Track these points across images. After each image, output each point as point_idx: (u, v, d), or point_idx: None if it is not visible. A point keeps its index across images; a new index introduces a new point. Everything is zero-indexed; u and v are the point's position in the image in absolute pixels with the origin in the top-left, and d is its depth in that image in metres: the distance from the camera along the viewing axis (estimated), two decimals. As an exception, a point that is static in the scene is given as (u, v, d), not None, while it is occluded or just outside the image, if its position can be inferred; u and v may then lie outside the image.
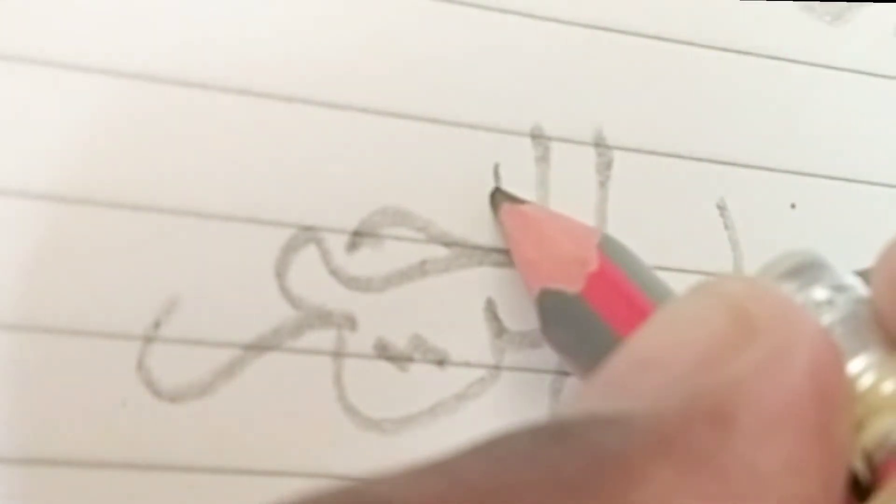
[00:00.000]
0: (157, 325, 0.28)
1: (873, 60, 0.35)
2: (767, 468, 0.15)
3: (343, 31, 0.30)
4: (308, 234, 0.29)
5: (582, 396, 0.17)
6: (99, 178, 0.28)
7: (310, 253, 0.29)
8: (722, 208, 0.33)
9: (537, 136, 0.31)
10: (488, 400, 0.31)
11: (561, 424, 0.15)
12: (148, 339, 0.28)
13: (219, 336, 0.29)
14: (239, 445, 0.29)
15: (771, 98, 0.34)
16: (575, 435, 0.15)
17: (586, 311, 0.28)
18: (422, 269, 0.30)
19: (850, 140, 0.34)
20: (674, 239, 0.32)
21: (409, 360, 0.30)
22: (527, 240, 0.29)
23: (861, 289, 0.18)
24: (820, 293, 0.17)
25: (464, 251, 0.31)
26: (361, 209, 0.30)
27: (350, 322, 0.30)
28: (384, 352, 0.30)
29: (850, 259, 0.18)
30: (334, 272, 0.30)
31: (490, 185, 0.31)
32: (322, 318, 0.29)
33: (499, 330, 0.31)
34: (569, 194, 0.31)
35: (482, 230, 0.31)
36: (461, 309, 0.31)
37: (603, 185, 0.32)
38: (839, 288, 0.17)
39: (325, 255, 0.29)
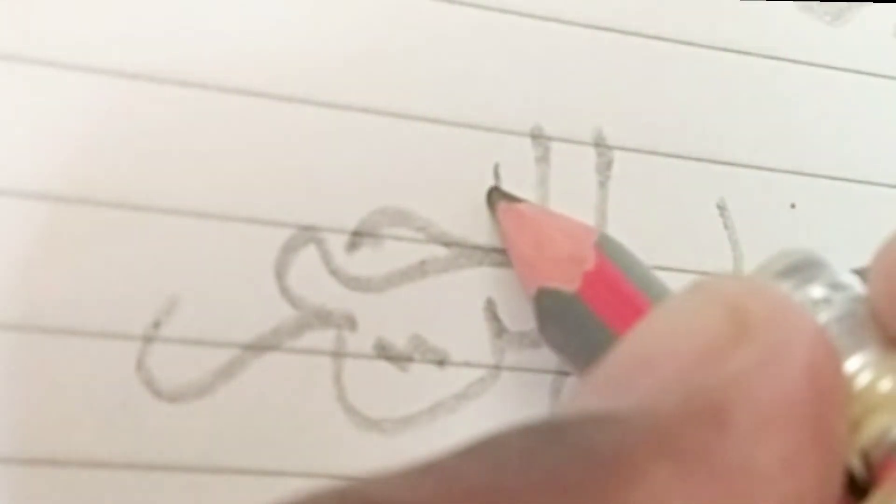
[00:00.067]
0: (157, 325, 0.28)
1: (873, 60, 0.35)
2: (764, 466, 0.15)
3: (343, 31, 0.30)
4: (308, 234, 0.29)
5: (577, 395, 0.17)
6: (99, 178, 0.28)
7: (310, 253, 0.29)
8: (722, 208, 0.33)
9: (537, 136, 0.31)
10: (488, 400, 0.31)
11: (556, 424, 0.15)
12: (148, 339, 0.28)
13: (219, 336, 0.29)
14: (239, 445, 0.29)
15: (771, 98, 0.34)
16: (570, 434, 0.15)
17: (583, 310, 0.28)
18: (422, 269, 0.30)
19: (850, 140, 0.34)
20: (674, 239, 0.32)
21: (409, 360, 0.30)
22: (524, 239, 0.29)
23: (858, 287, 0.17)
24: (817, 291, 0.17)
25: (464, 251, 0.31)
26: (361, 209, 0.30)
27: (350, 322, 0.30)
28: (384, 352, 0.30)
29: (850, 259, 0.18)
30: (334, 272, 0.30)
31: (490, 186, 0.31)
32: (322, 318, 0.29)
33: (499, 330, 0.31)
34: (569, 194, 0.31)
35: (482, 230, 0.31)
36: (461, 309, 0.31)
37: (603, 185, 0.32)
38: (836, 286, 0.17)
39: (325, 255, 0.29)
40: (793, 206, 0.34)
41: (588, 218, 0.31)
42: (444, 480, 0.14)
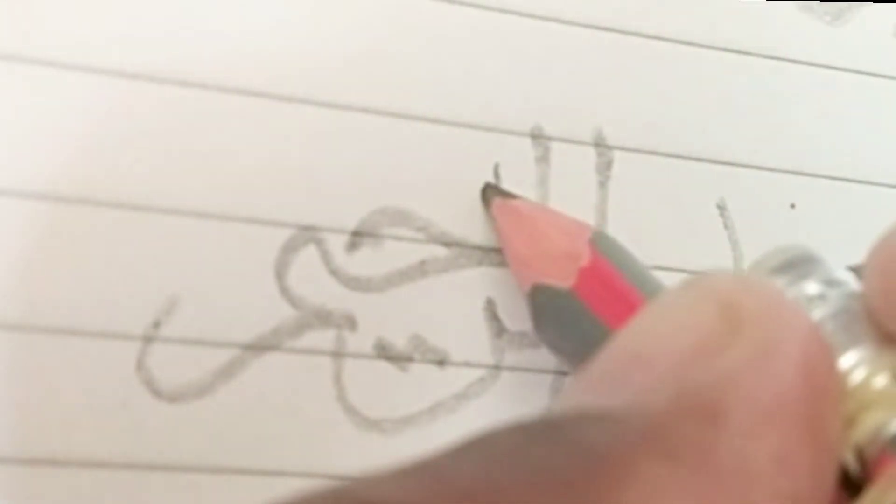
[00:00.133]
0: (157, 325, 0.28)
1: (873, 60, 0.35)
2: (758, 463, 0.15)
3: (343, 31, 0.30)
4: (308, 234, 0.29)
5: (571, 392, 0.17)
6: (99, 178, 0.28)
7: (310, 253, 0.29)
8: (722, 208, 0.33)
9: (537, 136, 0.31)
10: (488, 400, 0.31)
11: (549, 421, 0.15)
12: (148, 339, 0.28)
13: (219, 336, 0.29)
14: (239, 445, 0.29)
15: (771, 98, 0.34)
16: (563, 432, 0.15)
17: (578, 307, 0.28)
18: (422, 269, 0.30)
19: (850, 140, 0.34)
20: (674, 239, 0.32)
21: (409, 360, 0.30)
22: (518, 235, 0.29)
23: (853, 284, 0.17)
24: (812, 288, 0.17)
25: (464, 251, 0.31)
26: (361, 209, 0.30)
27: (350, 322, 0.30)
28: (384, 352, 0.30)
29: (849, 259, 0.18)
30: (334, 272, 0.30)
31: (485, 182, 0.31)
32: (322, 318, 0.29)
33: (499, 330, 0.31)
34: (569, 194, 0.31)
35: (482, 230, 0.31)
36: (461, 309, 0.31)
37: (603, 185, 0.32)
38: (831, 283, 0.17)
39: (325, 255, 0.29)
40: (793, 206, 0.34)
41: (588, 218, 0.31)
42: (438, 480, 0.14)
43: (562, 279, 0.28)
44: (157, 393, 0.28)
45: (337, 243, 0.30)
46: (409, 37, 0.30)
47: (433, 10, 0.30)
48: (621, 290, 0.28)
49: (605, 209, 0.32)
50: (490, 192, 0.30)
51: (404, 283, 0.30)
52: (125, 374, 0.28)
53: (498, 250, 0.31)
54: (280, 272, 0.29)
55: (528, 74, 0.31)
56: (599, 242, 0.29)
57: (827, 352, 0.16)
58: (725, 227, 0.33)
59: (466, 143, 0.31)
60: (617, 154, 0.32)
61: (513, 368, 0.31)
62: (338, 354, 0.29)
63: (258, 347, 0.29)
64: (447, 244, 0.30)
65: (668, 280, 0.30)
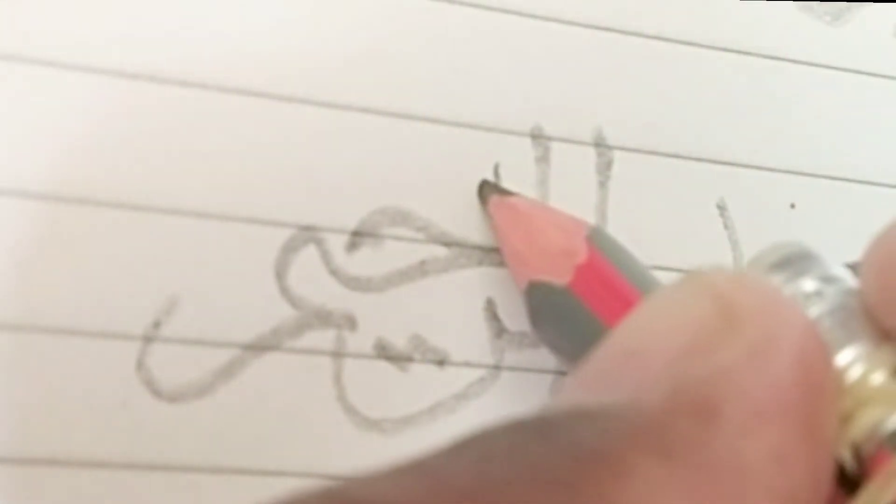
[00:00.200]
0: (157, 325, 0.28)
1: (873, 60, 0.35)
2: (753, 460, 0.15)
3: (343, 31, 0.30)
4: (308, 234, 0.29)
5: (566, 389, 0.17)
6: (99, 178, 0.28)
7: (310, 253, 0.29)
8: (722, 208, 0.33)
9: (537, 136, 0.31)
10: (488, 400, 0.31)
11: (545, 419, 0.15)
12: (148, 339, 0.28)
13: (218, 336, 0.29)
14: (239, 445, 0.29)
15: (771, 98, 0.34)
16: (559, 430, 0.15)
17: (575, 303, 0.28)
18: (422, 269, 0.30)
19: (850, 140, 0.34)
20: (674, 239, 0.32)
21: (409, 360, 0.30)
22: (515, 232, 0.29)
23: (850, 280, 0.17)
24: (808, 285, 0.17)
25: (464, 251, 0.31)
26: (361, 209, 0.30)
27: (350, 322, 0.30)
28: (384, 352, 0.30)
29: (849, 259, 0.18)
30: (334, 272, 0.30)
31: (482, 179, 0.31)
32: (322, 318, 0.29)
33: (499, 330, 0.31)
34: (569, 194, 0.31)
35: (482, 230, 0.31)
36: (461, 309, 0.31)
37: (603, 185, 0.32)
38: (828, 279, 0.17)
39: (325, 255, 0.29)
40: (793, 206, 0.34)
41: (588, 218, 0.31)
42: (433, 479, 0.14)
43: (558, 276, 0.28)
44: (157, 393, 0.28)
45: (337, 243, 0.30)
46: (409, 37, 0.30)
47: (433, 10, 0.30)
48: (618, 287, 0.28)
49: (605, 209, 0.32)
50: (487, 190, 0.30)
51: (404, 283, 0.30)
52: (125, 374, 0.28)
53: (498, 250, 0.31)
54: (280, 272, 0.29)
55: (528, 74, 0.31)
56: (596, 239, 0.29)
57: (823, 349, 0.16)
58: (725, 227, 0.33)
59: (466, 143, 0.31)
60: (617, 154, 0.32)
61: (513, 368, 0.31)
62: (338, 354, 0.29)
63: (258, 347, 0.29)
64: (447, 244, 0.30)
65: (668, 280, 0.30)
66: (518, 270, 0.29)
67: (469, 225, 0.31)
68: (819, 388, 0.16)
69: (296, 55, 0.29)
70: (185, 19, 0.29)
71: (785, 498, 0.15)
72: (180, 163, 0.28)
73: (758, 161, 0.33)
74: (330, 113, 0.30)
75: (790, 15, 0.34)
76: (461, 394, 0.30)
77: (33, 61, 0.27)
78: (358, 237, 0.30)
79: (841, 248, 0.18)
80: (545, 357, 0.31)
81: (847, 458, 0.16)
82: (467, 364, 0.31)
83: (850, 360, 0.17)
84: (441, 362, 0.30)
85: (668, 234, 0.32)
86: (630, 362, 0.16)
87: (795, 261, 0.18)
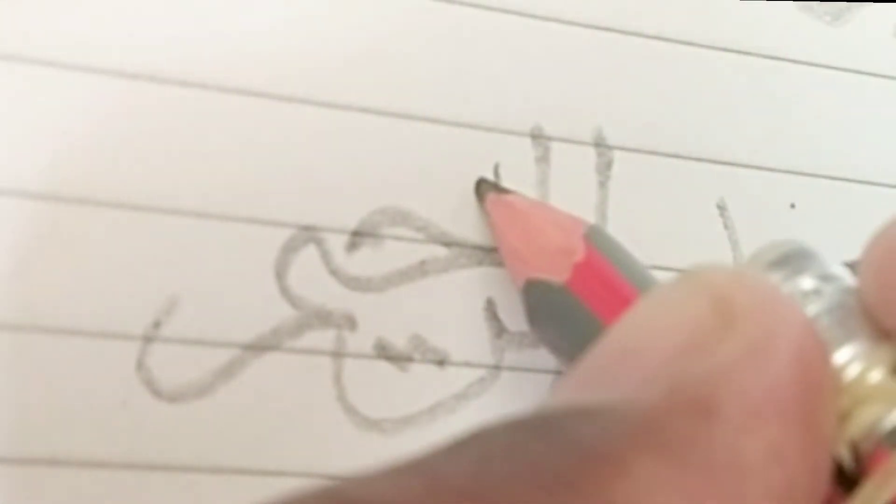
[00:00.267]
0: (157, 325, 0.28)
1: (873, 60, 0.35)
2: (751, 458, 0.15)
3: (343, 31, 0.30)
4: (308, 234, 0.29)
5: (564, 387, 0.17)
6: (99, 178, 0.28)
7: (310, 253, 0.29)
8: (722, 208, 0.33)
9: (537, 136, 0.31)
10: (488, 400, 0.31)
11: (542, 417, 0.15)
12: (148, 339, 0.28)
13: (219, 336, 0.29)
14: (239, 445, 0.29)
15: (771, 98, 0.34)
16: (556, 428, 0.15)
17: (572, 301, 0.28)
18: (422, 269, 0.30)
19: (850, 140, 0.34)
20: (674, 239, 0.32)
21: (409, 360, 0.30)
22: (513, 230, 0.29)
23: (848, 279, 0.17)
24: (807, 283, 0.17)
25: (464, 251, 0.31)
26: (361, 209, 0.30)
27: (350, 322, 0.30)
28: (384, 352, 0.30)
29: (849, 258, 0.18)
30: (334, 272, 0.30)
31: (478, 177, 0.31)
32: (322, 318, 0.29)
33: (499, 330, 0.31)
34: (569, 194, 0.31)
35: (482, 230, 0.31)
36: (461, 309, 0.31)
37: (603, 185, 0.32)
38: (826, 278, 0.17)
39: (325, 255, 0.29)
40: (793, 206, 0.34)
41: (588, 218, 0.31)
42: (431, 479, 0.14)
43: (556, 274, 0.28)
44: (157, 393, 0.28)
45: (337, 243, 0.30)
46: (409, 37, 0.30)
47: (433, 10, 0.30)
48: (616, 285, 0.28)
49: (605, 209, 0.32)
50: (484, 188, 0.30)
51: (404, 283, 0.30)
52: (125, 374, 0.28)
53: (498, 250, 0.31)
54: (280, 272, 0.29)
55: (528, 74, 0.31)
56: (594, 237, 0.29)
57: (821, 347, 0.16)
58: (725, 227, 0.33)
59: (466, 143, 0.31)
60: (617, 154, 0.32)
61: (513, 368, 0.31)
62: (338, 354, 0.29)
63: (258, 347, 0.29)
64: (447, 244, 0.30)
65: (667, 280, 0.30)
66: (515, 268, 0.29)
67: (469, 225, 0.31)
68: (817, 386, 0.16)
69: (296, 55, 0.29)
70: (185, 19, 0.29)
71: (783, 495, 0.15)
72: (180, 163, 0.28)
73: (758, 161, 0.33)
74: (330, 113, 0.30)
75: (790, 15, 0.34)
76: (461, 394, 0.30)
77: (33, 61, 0.27)
78: (358, 237, 0.30)
79: (841, 248, 0.18)
80: (545, 357, 0.31)
81: (845, 455, 0.16)
82: (467, 364, 0.31)
83: (849, 358, 0.17)
84: (441, 362, 0.30)
85: (668, 234, 0.32)
86: (628, 360, 0.16)
87: (794, 259, 0.18)
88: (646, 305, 0.17)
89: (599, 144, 0.32)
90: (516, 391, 0.31)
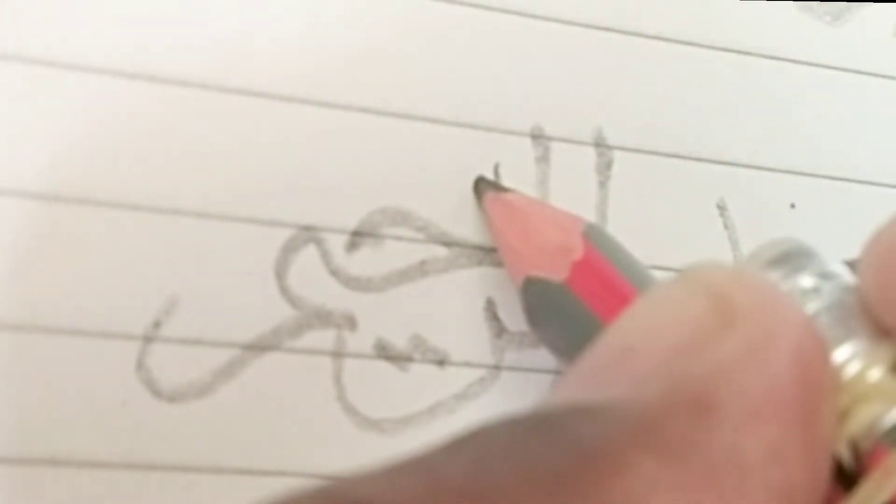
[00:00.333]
0: (157, 325, 0.28)
1: (873, 60, 0.35)
2: (751, 456, 0.15)
3: (343, 31, 0.30)
4: (308, 234, 0.29)
5: (563, 385, 0.17)
6: (99, 178, 0.28)
7: (310, 253, 0.29)
8: (722, 208, 0.33)
9: (537, 136, 0.31)
10: (488, 400, 0.31)
11: (541, 416, 0.15)
12: (148, 339, 0.28)
13: (219, 336, 0.29)
14: (239, 445, 0.29)
15: (771, 98, 0.34)
16: (555, 427, 0.15)
17: (571, 300, 0.28)
18: (422, 269, 0.30)
19: (850, 140, 0.34)
20: (674, 239, 0.32)
21: (409, 360, 0.30)
22: (511, 228, 0.29)
23: (848, 277, 0.17)
24: (806, 281, 0.17)
25: (464, 251, 0.31)
26: (361, 209, 0.30)
27: (350, 322, 0.30)
28: (384, 352, 0.30)
29: (848, 258, 0.18)
30: (334, 272, 0.30)
31: (477, 176, 0.31)
32: (322, 318, 0.29)
33: (499, 330, 0.31)
34: (569, 194, 0.31)
35: (482, 230, 0.31)
36: (461, 309, 0.31)
37: (603, 185, 0.32)
38: (825, 276, 0.17)
39: (325, 255, 0.29)
40: (793, 206, 0.34)
41: (588, 218, 0.31)
42: (430, 477, 0.14)
43: (555, 272, 0.28)
44: (157, 393, 0.28)
45: (337, 243, 0.30)
46: (409, 37, 0.30)
47: (433, 10, 0.30)
48: (614, 284, 0.28)
49: (605, 209, 0.32)
50: (482, 186, 0.30)
51: (404, 283, 0.30)
52: (125, 374, 0.28)
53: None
54: (280, 272, 0.29)
55: (528, 74, 0.31)
56: (592, 236, 0.29)
57: (821, 345, 0.16)
58: (725, 227, 0.33)
59: (466, 143, 0.31)
60: (617, 154, 0.32)
61: (513, 368, 0.31)
62: (338, 354, 0.29)
63: (258, 347, 0.29)
64: (447, 244, 0.30)
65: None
66: (514, 267, 0.29)
67: (469, 225, 0.31)
68: (817, 384, 0.16)
69: (296, 55, 0.29)
70: (185, 19, 0.29)
71: (783, 494, 0.15)
72: (180, 163, 0.28)
73: (758, 161, 0.33)
74: (330, 113, 0.30)
75: (790, 15, 0.34)
76: (461, 394, 0.30)
77: (33, 61, 0.27)
78: (358, 237, 0.30)
79: (841, 248, 0.18)
80: (545, 357, 0.31)
81: (845, 454, 0.16)
82: (467, 364, 0.31)
83: (848, 356, 0.17)
84: (441, 362, 0.30)
85: (668, 234, 0.32)
86: (627, 359, 0.16)
87: (793, 257, 0.18)
88: (645, 304, 0.17)
89: (599, 144, 0.32)
90: (516, 391, 0.31)
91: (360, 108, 0.30)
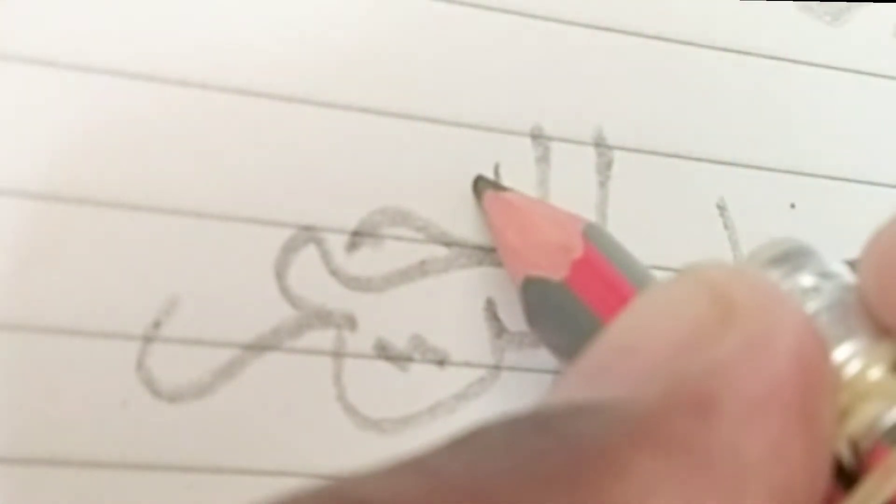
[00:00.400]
0: (157, 325, 0.28)
1: (873, 60, 0.35)
2: (751, 455, 0.15)
3: (343, 31, 0.30)
4: (308, 234, 0.29)
5: (563, 384, 0.17)
6: (99, 178, 0.28)
7: (310, 253, 0.29)
8: (722, 208, 0.33)
9: (537, 136, 0.31)
10: (488, 400, 0.31)
11: (541, 415, 0.15)
12: (148, 339, 0.28)
13: (219, 336, 0.29)
14: (239, 445, 0.29)
15: (771, 98, 0.34)
16: (555, 426, 0.15)
17: (571, 299, 0.28)
18: (422, 269, 0.30)
19: (850, 140, 0.34)
20: (674, 239, 0.32)
21: (409, 360, 0.30)
22: (510, 227, 0.29)
23: (848, 276, 0.17)
24: (806, 280, 0.17)
25: (464, 251, 0.31)
26: (361, 209, 0.30)
27: (350, 322, 0.30)
28: (384, 352, 0.30)
29: (848, 258, 0.18)
30: (334, 272, 0.30)
31: (476, 175, 0.31)
32: (322, 318, 0.29)
33: (499, 330, 0.31)
34: (569, 194, 0.31)
35: (482, 230, 0.31)
36: (461, 309, 0.31)
37: (603, 185, 0.32)
38: (826, 275, 0.17)
39: (325, 255, 0.29)
40: (793, 206, 0.34)
41: (588, 218, 0.31)
42: (430, 477, 0.14)
43: (554, 271, 0.28)
44: (157, 393, 0.28)
45: (337, 243, 0.30)
46: (409, 37, 0.30)
47: (433, 10, 0.30)
48: (614, 283, 0.28)
49: (605, 209, 0.32)
50: (482, 185, 0.30)
51: (404, 283, 0.30)
52: (125, 374, 0.28)
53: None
54: (280, 272, 0.29)
55: (528, 74, 0.31)
56: (592, 234, 0.29)
57: (821, 344, 0.16)
58: (725, 227, 0.33)
59: (466, 143, 0.31)
60: (617, 154, 0.32)
61: (513, 368, 0.31)
62: (338, 354, 0.29)
63: (258, 347, 0.29)
64: (447, 244, 0.30)
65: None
66: (513, 266, 0.29)
67: (469, 225, 0.31)
68: (817, 383, 0.16)
69: (296, 55, 0.29)
70: (185, 19, 0.29)
71: (783, 493, 0.15)
72: (180, 163, 0.28)
73: (758, 161, 0.33)
74: (330, 113, 0.30)
75: (790, 15, 0.34)
76: (461, 394, 0.30)
77: (33, 61, 0.27)
78: (358, 237, 0.30)
79: (841, 248, 0.18)
80: (545, 357, 0.31)
81: (845, 452, 0.16)
82: (467, 364, 0.31)
83: (848, 355, 0.17)
84: (441, 362, 0.30)
85: (668, 234, 0.32)
86: (626, 357, 0.16)
87: (793, 256, 0.18)
88: (644, 302, 0.17)
89: (599, 144, 0.32)
90: (516, 391, 0.31)
91: (360, 108, 0.30)
